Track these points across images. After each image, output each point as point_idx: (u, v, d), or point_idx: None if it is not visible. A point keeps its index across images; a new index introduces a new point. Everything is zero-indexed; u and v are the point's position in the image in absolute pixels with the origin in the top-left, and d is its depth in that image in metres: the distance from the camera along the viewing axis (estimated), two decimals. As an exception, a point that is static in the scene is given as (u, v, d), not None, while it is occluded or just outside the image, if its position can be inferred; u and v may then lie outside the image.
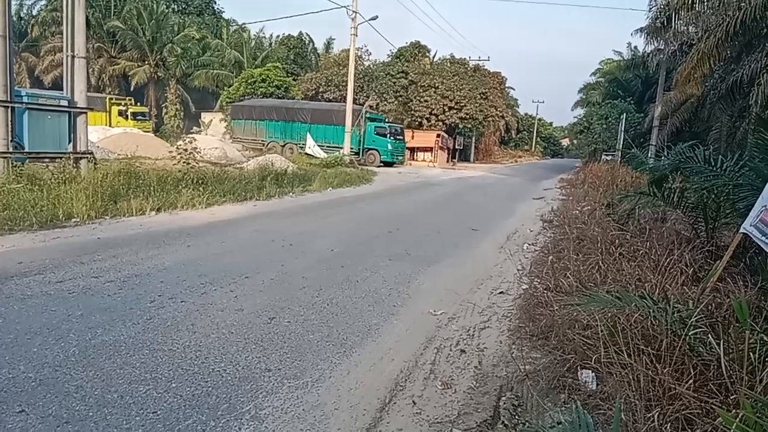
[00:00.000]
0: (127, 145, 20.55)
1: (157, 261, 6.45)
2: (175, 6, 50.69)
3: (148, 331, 4.30)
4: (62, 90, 12.37)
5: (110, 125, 34.24)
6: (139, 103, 40.36)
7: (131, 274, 5.82)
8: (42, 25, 43.32)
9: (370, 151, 31.44)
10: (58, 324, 4.28)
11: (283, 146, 32.13)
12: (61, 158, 10.91)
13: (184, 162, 12.65)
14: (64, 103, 11.94)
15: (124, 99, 37.89)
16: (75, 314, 4.53)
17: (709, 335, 3.19)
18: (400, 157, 33.75)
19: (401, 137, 33.89)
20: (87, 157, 11.98)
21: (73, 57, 11.76)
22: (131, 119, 35.58)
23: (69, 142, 11.95)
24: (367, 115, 31.97)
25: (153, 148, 21.42)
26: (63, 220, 8.42)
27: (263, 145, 32.29)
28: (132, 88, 42.34)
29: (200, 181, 12.16)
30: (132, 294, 5.17)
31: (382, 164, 31.11)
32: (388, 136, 31.74)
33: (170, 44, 42.24)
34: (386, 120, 34.80)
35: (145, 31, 41.88)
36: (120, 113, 35.86)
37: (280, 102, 35.28)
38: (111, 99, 36.79)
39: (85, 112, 12.20)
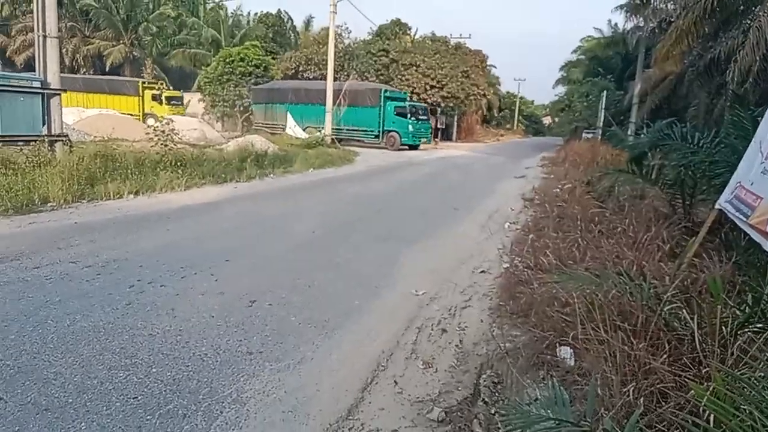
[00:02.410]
0: (104, 127, 20.15)
1: (136, 245, 6.38)
2: (149, -17, 49.38)
3: (128, 316, 4.26)
4: (35, 71, 12.06)
5: (143, 111, 32.65)
6: (171, 87, 37.08)
7: (109, 259, 5.75)
8: (12, 3, 42.01)
9: (390, 134, 29.06)
10: (35, 311, 4.23)
11: (304, 130, 29.71)
12: (35, 141, 10.67)
13: (161, 144, 12.44)
14: (37, 84, 11.65)
15: (157, 83, 35.08)
16: (53, 300, 4.47)
17: (684, 310, 3.25)
18: (424, 139, 31.18)
19: (425, 117, 31.13)
20: (62, 140, 11.75)
21: (44, 37, 11.46)
22: (166, 104, 33.12)
23: (43, 125, 11.68)
24: (386, 94, 29.58)
25: (130, 129, 21.06)
26: (39, 205, 8.28)
27: (283, 129, 30.09)
28: (107, 68, 41.39)
29: (179, 164, 12.00)
30: (110, 279, 5.11)
31: (406, 147, 28.99)
32: (409, 116, 28.93)
33: (145, 23, 41.28)
34: (409, 99, 32.46)
35: (119, 10, 40.87)
36: (154, 98, 33.20)
37: (299, 83, 33.32)
38: (144, 83, 34.28)
39: (59, 94, 11.93)
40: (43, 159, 9.98)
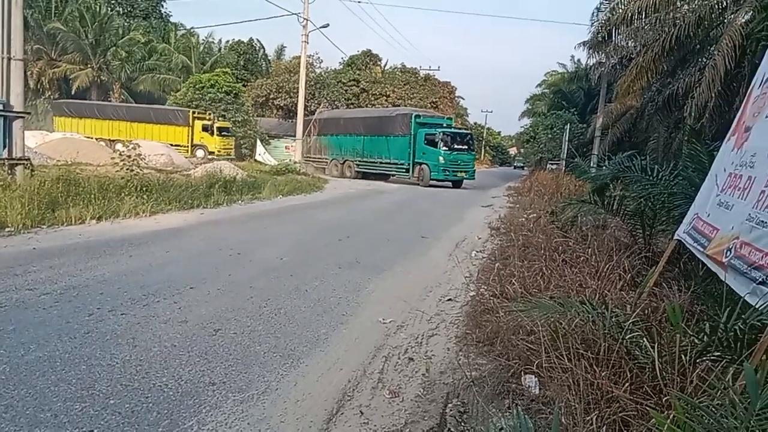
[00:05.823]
0: (67, 151, 19.78)
1: (96, 272, 6.21)
2: (120, 9, 49.23)
3: (86, 345, 4.13)
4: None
5: (191, 142, 31.37)
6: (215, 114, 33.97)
7: (69, 286, 5.59)
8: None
9: (420, 166, 25.08)
10: (-13, 340, 4.07)
11: (342, 164, 27.56)
12: (-6, 164, 10.40)
13: (127, 168, 12.25)
14: (-1, 107, 11.41)
15: (206, 113, 32.77)
16: (6, 329, 4.30)
17: (645, 339, 3.32)
18: (462, 174, 25.25)
19: (464, 146, 25.51)
20: (23, 164, 11.46)
21: (9, 59, 11.26)
22: (217, 135, 31.57)
23: (3, 148, 11.39)
24: (419, 120, 25.60)
25: (94, 154, 20.72)
26: (-5, 230, 8.02)
27: (327, 164, 28.30)
28: (73, 92, 40.84)
29: (144, 189, 11.79)
30: (69, 307, 4.95)
31: (449, 184, 25.01)
32: (440, 145, 24.20)
33: (114, 47, 41.07)
34: (452, 125, 28.33)
35: (87, 34, 40.55)
36: (204, 128, 31.89)
37: (338, 112, 31.35)
38: (194, 113, 32.47)
39: (22, 117, 11.69)
40: (1, 183, 9.70)
